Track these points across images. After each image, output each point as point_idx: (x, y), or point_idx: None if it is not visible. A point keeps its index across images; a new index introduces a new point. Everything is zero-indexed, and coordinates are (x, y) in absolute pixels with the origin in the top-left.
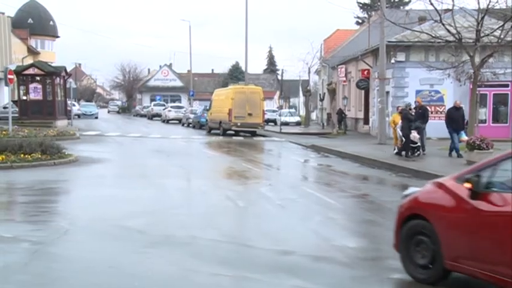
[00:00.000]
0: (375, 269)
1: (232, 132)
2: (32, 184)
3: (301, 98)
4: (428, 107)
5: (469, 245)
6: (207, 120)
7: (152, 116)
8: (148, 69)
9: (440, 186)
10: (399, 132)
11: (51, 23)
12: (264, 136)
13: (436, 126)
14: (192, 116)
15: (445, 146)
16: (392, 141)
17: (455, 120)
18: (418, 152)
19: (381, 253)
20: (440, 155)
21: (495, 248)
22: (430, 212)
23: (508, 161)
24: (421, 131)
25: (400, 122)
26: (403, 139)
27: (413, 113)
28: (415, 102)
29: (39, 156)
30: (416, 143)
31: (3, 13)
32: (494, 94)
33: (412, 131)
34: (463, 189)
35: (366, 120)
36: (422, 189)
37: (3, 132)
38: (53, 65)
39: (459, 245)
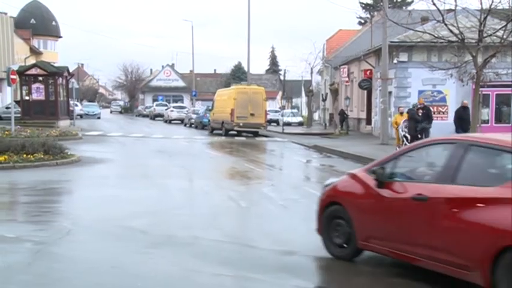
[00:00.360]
0: (378, 269)
1: (235, 132)
2: (35, 184)
3: (304, 98)
4: (430, 107)
5: (377, 227)
6: (209, 121)
7: (154, 116)
8: (151, 70)
9: (354, 176)
10: (401, 133)
11: (53, 23)
12: (266, 136)
13: (438, 127)
14: (194, 116)
15: None
16: (394, 141)
17: (464, 119)
18: None
19: None
20: None
21: (396, 228)
22: (345, 199)
23: (406, 155)
24: (426, 131)
25: (402, 122)
26: (404, 140)
27: (420, 114)
28: (417, 104)
29: (42, 156)
30: None
31: (5, 13)
32: (496, 94)
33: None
34: (371, 179)
35: (368, 121)
36: (339, 179)
37: (6, 132)
38: (55, 65)
39: (369, 227)
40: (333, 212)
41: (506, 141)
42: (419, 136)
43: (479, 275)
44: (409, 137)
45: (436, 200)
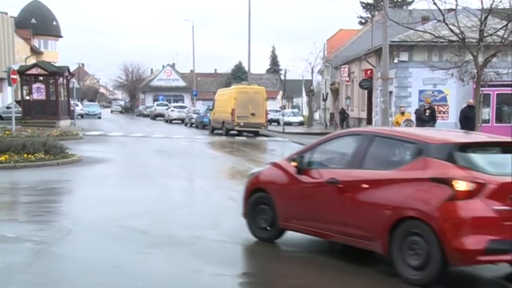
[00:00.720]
0: (381, 268)
1: (235, 132)
2: (35, 184)
3: (304, 98)
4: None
5: (296, 208)
6: (209, 120)
7: (155, 116)
8: (151, 69)
9: (276, 165)
10: None
11: (54, 23)
12: (266, 136)
13: (439, 126)
14: (195, 116)
15: None
16: None
17: (469, 118)
18: None
19: None
20: None
21: (313, 209)
22: (269, 185)
23: (322, 146)
24: None
25: (402, 122)
26: None
27: (427, 114)
28: (424, 104)
29: (43, 156)
30: None
31: (6, 13)
32: (497, 94)
33: None
34: (292, 167)
35: (369, 120)
36: (263, 168)
37: (7, 132)
38: (56, 65)
39: (289, 209)
40: (257, 198)
41: (403, 132)
42: None
43: (379, 244)
44: None
45: (346, 182)
